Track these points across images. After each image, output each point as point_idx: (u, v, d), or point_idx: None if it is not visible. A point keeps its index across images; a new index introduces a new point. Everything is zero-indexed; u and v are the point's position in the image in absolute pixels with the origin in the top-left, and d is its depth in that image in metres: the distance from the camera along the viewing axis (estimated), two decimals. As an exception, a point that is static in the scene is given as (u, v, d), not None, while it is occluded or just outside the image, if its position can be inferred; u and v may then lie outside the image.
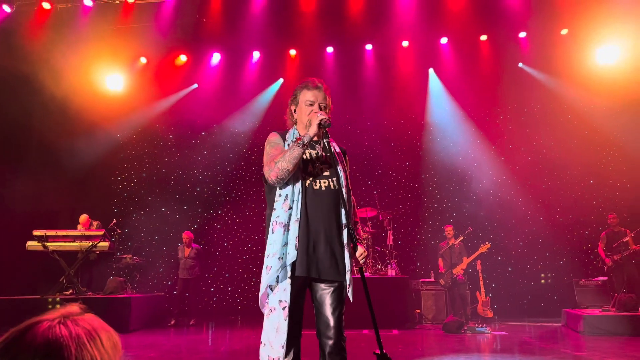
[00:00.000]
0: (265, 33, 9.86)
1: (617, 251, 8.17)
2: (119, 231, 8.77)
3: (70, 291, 7.68)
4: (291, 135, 2.52)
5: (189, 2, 9.60)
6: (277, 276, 2.26)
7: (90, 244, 7.70)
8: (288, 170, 2.31)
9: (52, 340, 0.84)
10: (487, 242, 8.26)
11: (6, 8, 9.16)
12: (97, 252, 7.93)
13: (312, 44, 10.21)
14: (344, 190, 2.41)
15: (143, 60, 10.57)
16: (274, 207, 2.36)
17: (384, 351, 2.19)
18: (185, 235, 9.03)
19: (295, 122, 2.59)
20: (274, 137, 2.52)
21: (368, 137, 10.74)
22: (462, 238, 8.51)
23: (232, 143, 10.94)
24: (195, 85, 11.02)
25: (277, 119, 11.01)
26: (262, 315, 2.34)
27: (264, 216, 9.98)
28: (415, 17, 9.50)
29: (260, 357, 2.24)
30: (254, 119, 11.01)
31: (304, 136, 2.36)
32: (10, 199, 8.67)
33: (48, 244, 7.66)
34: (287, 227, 2.30)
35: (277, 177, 2.32)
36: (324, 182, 2.45)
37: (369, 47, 10.58)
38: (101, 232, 7.88)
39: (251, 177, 11.01)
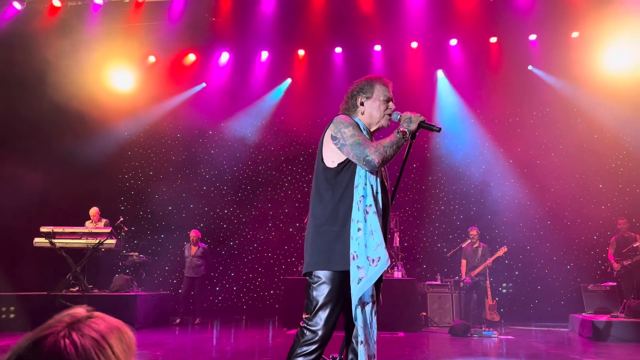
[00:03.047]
0: (274, 33, 9.85)
1: (627, 257, 8.09)
2: (126, 229, 8.79)
3: (77, 288, 7.71)
4: (360, 125, 2.43)
5: (198, 1, 9.61)
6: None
7: (97, 241, 7.72)
8: (391, 158, 2.27)
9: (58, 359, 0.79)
10: (504, 246, 8.21)
11: (17, 5, 9.21)
12: (104, 249, 7.96)
13: (321, 44, 10.18)
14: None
15: (152, 58, 10.59)
16: (362, 194, 2.20)
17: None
18: (193, 234, 9.04)
19: (362, 113, 2.50)
20: (351, 120, 2.40)
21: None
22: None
23: (239, 142, 10.94)
24: (204, 85, 11.02)
25: (285, 118, 11.02)
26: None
27: (269, 216, 9.87)
28: (425, 18, 9.45)
29: (359, 358, 2.12)
30: (261, 118, 11.01)
31: (405, 129, 2.34)
32: (17, 196, 8.69)
33: (55, 240, 7.69)
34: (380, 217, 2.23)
35: (381, 163, 2.23)
36: (386, 180, 2.50)
37: (377, 48, 10.53)
38: (108, 230, 7.91)
39: (258, 177, 11.00)
